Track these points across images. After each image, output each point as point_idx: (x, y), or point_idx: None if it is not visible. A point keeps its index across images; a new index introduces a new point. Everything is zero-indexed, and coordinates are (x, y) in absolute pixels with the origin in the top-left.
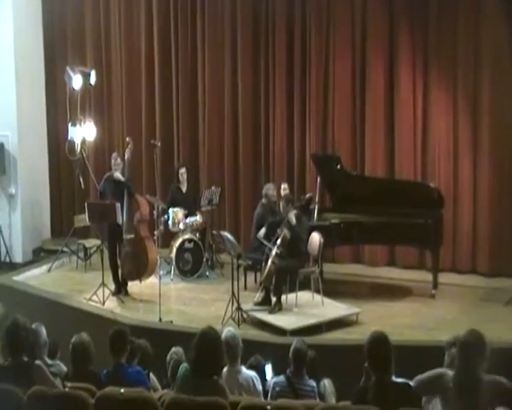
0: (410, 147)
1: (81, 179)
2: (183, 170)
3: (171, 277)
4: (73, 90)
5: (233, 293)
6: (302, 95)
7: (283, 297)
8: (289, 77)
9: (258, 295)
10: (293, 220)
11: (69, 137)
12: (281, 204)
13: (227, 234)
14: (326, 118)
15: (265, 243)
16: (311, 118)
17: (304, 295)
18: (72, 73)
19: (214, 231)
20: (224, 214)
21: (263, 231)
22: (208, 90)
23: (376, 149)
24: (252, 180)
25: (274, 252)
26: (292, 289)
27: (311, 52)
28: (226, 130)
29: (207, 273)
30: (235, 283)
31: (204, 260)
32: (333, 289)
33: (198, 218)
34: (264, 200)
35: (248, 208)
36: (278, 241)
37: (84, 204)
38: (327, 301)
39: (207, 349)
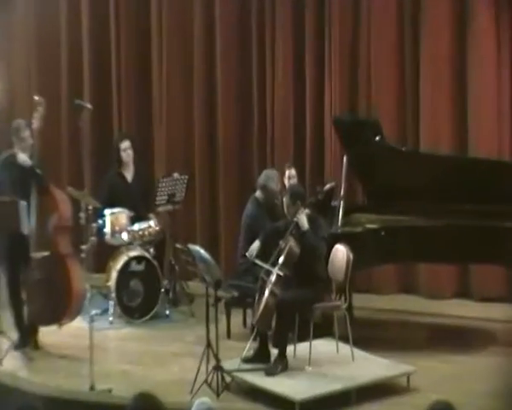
0: (491, 113)
1: None
2: (126, 144)
3: (110, 319)
4: None
5: (209, 343)
6: (319, 30)
7: (289, 349)
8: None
9: (250, 347)
10: (305, 225)
11: None
12: (284, 201)
13: (199, 249)
14: (355, 68)
15: (260, 263)
16: (333, 66)
17: (322, 346)
18: None
19: (178, 245)
20: (193, 217)
21: (256, 244)
22: (167, 30)
23: (438, 115)
24: (238, 164)
25: (274, 277)
26: (303, 337)
27: None
28: (196, 87)
29: (167, 312)
30: (213, 327)
31: (162, 290)
32: (369, 336)
33: (152, 223)
34: (259, 195)
35: (232, 208)
36: (281, 259)
37: None
38: (359, 354)
39: None
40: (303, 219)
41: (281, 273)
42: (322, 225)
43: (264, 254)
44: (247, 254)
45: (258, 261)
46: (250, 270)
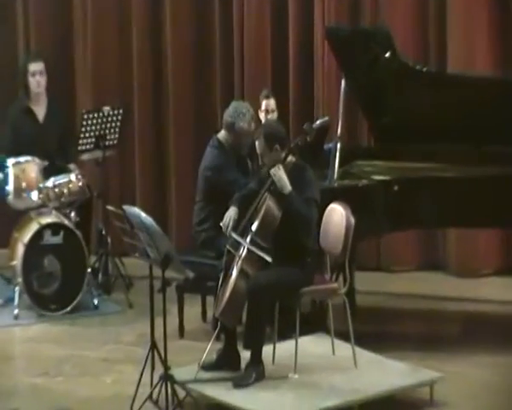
0: None
1: None
2: (36, 66)
3: (16, 312)
4: None
5: (154, 344)
6: None
7: (267, 351)
8: None
9: (211, 349)
10: (286, 187)
11: None
12: (257, 145)
13: (139, 212)
14: None
15: (240, 239)
16: None
17: (313, 345)
18: None
19: (111, 207)
20: (131, 169)
21: (232, 211)
22: None
23: (471, 25)
24: (194, 95)
25: (245, 251)
26: (286, 333)
27: None
28: None
29: (96, 302)
30: (160, 322)
31: (88, 272)
32: (377, 330)
33: (73, 177)
34: (224, 137)
35: (186, 155)
36: (254, 225)
37: None
38: (364, 355)
39: None
40: (281, 176)
41: (254, 247)
42: (311, 180)
43: (233, 220)
44: (221, 224)
45: (237, 237)
46: (211, 241)
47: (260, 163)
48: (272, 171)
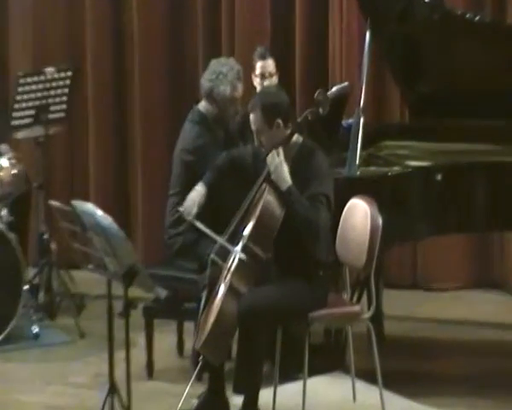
0: None
1: None
2: None
3: None
4: None
5: (113, 387)
6: None
7: (264, 395)
8: None
9: (191, 393)
10: (286, 181)
11: None
12: (252, 119)
13: (94, 210)
14: None
15: (205, 229)
16: None
17: (327, 387)
18: None
19: (55, 202)
20: (83, 151)
21: (199, 191)
22: None
23: None
24: (167, 51)
25: (236, 261)
26: (290, 371)
27: None
28: None
29: (36, 330)
30: (121, 356)
31: (25, 289)
32: (414, 369)
33: (4, 162)
34: (204, 107)
35: (157, 132)
36: (248, 227)
37: None
38: (394, 401)
39: None
40: (278, 166)
41: (246, 257)
42: (322, 168)
43: (215, 212)
44: (180, 209)
45: (200, 226)
46: (190, 248)
47: (256, 145)
48: (268, 158)
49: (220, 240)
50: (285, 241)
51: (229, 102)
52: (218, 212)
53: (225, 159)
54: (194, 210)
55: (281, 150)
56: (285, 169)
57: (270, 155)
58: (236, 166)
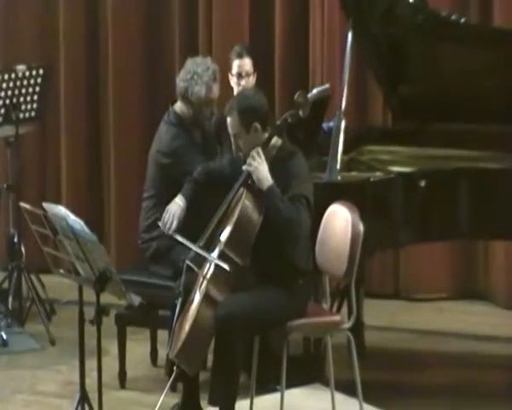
0: None
1: None
2: None
3: None
4: None
5: (84, 397)
6: None
7: (240, 406)
8: None
9: (164, 403)
10: (266, 180)
11: None
12: (229, 122)
13: (66, 212)
14: None
15: (186, 242)
16: None
17: (306, 398)
18: None
19: (25, 204)
20: (55, 151)
21: (178, 203)
22: None
23: None
24: (144, 49)
25: (212, 267)
26: (267, 383)
27: None
28: None
29: (4, 336)
30: (92, 365)
31: None
32: (393, 380)
33: None
34: (182, 109)
35: (130, 135)
36: (225, 232)
37: None
38: None
39: None
40: (258, 166)
41: (224, 265)
42: (303, 171)
43: (194, 223)
44: (159, 223)
45: (181, 239)
46: (164, 254)
47: (234, 149)
48: (248, 159)
49: (203, 252)
50: (264, 248)
51: (203, 103)
52: (198, 225)
53: (201, 173)
54: (174, 224)
55: (260, 150)
56: (266, 168)
57: (250, 155)
58: (215, 179)
